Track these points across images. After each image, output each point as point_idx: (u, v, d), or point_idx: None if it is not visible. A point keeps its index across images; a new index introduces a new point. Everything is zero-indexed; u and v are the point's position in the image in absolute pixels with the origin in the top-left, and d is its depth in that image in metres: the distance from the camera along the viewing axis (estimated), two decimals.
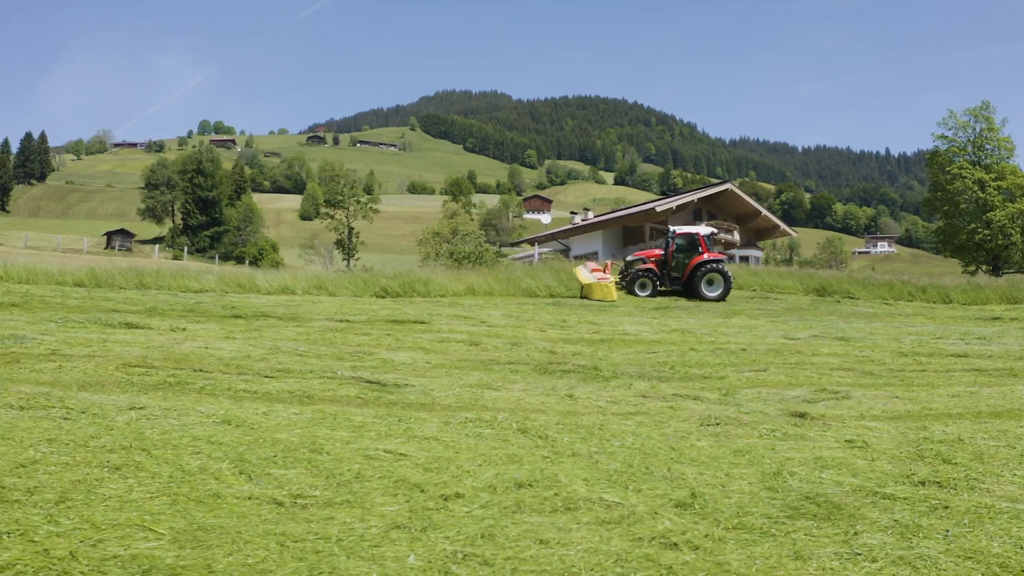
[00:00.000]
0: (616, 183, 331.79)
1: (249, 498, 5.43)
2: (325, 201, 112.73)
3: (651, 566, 4.60)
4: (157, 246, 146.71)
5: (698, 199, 59.82)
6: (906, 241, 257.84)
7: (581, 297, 28.24)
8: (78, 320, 15.95)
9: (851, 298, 31.37)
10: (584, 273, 29.84)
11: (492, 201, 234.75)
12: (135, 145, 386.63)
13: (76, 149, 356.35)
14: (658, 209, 56.65)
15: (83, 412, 7.89)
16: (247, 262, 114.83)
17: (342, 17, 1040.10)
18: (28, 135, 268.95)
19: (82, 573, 4.06)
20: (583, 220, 70.42)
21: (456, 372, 12.50)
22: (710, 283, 30.26)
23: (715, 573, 4.57)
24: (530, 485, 6.11)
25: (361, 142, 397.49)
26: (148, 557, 4.26)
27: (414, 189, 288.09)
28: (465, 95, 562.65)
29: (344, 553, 4.52)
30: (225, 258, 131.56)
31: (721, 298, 29.70)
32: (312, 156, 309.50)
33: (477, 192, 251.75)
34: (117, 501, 5.19)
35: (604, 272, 30.34)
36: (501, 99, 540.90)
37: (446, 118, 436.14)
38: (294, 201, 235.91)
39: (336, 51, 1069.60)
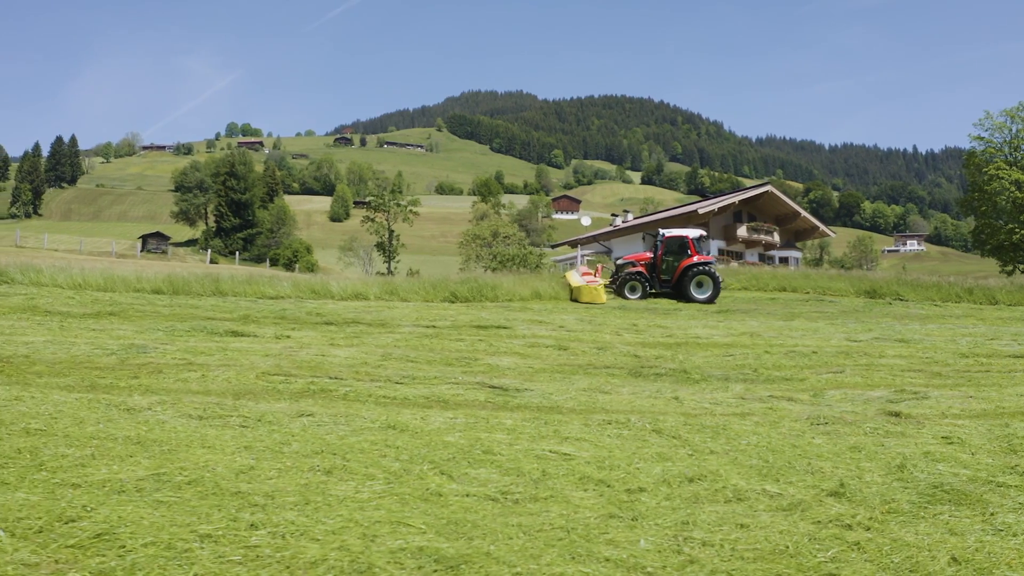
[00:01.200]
0: (643, 182, 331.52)
1: (466, 495, 6.19)
2: (367, 204, 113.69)
3: (841, 543, 5.37)
4: (188, 248, 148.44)
5: (739, 201, 60.35)
6: (935, 239, 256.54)
7: (571, 300, 28.67)
8: (184, 329, 16.79)
9: (901, 300, 31.88)
10: (575, 277, 30.41)
11: (520, 202, 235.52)
12: (163, 148, 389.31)
13: (105, 152, 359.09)
14: (700, 211, 57.20)
15: (259, 420, 8.65)
16: (278, 264, 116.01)
17: (367, 19, 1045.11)
18: (59, 139, 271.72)
19: (385, 563, 4.77)
20: (623, 222, 71.01)
21: (559, 376, 13.30)
22: (699, 285, 30.65)
23: (895, 547, 5.33)
24: (698, 479, 6.86)
25: (388, 143, 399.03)
26: (430, 548, 4.93)
27: (442, 190, 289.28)
28: (491, 95, 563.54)
29: (583, 539, 5.26)
30: (259, 260, 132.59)
31: (710, 300, 30.05)
32: (340, 157, 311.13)
33: (505, 192, 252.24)
34: (353, 501, 5.88)
35: (595, 276, 30.79)
36: (527, 99, 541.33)
37: (472, 118, 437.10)
38: (323, 203, 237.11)
39: (362, 52, 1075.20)
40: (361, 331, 17.75)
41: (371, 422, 8.77)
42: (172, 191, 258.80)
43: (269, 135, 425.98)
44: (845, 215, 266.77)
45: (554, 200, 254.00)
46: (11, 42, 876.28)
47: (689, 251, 31.54)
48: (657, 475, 6.99)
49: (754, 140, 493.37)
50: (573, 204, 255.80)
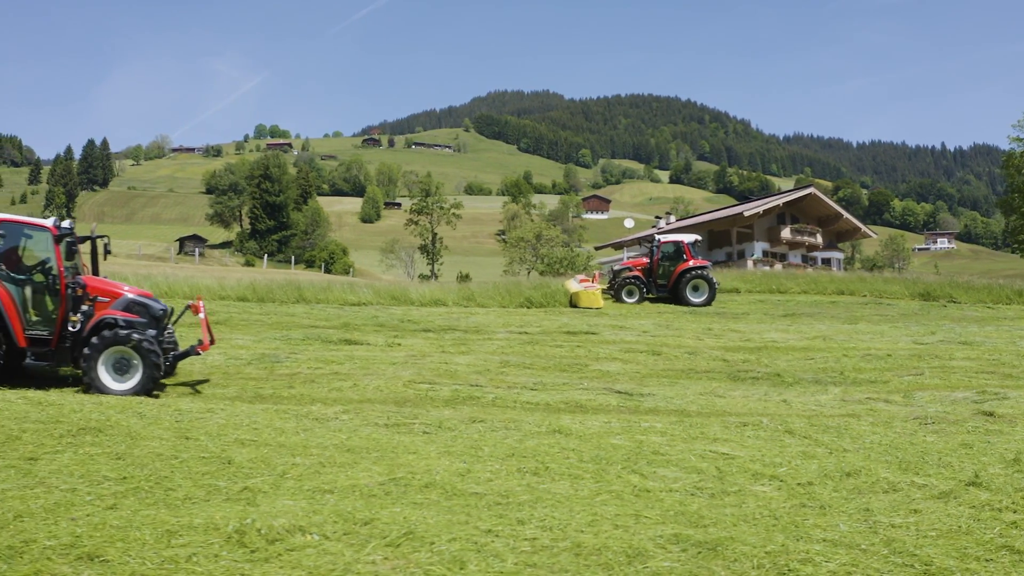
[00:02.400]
0: (671, 181, 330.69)
1: (670, 491, 7.21)
2: (397, 206, 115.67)
3: (1000, 522, 6.41)
4: (223, 250, 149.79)
5: (783, 203, 61.18)
6: (965, 237, 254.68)
7: (570, 305, 29.18)
8: (298, 338, 17.93)
9: (955, 302, 32.58)
10: (573, 284, 31.03)
11: (550, 202, 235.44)
12: (192, 150, 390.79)
13: (135, 155, 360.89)
14: (746, 214, 58.02)
15: (439, 427, 9.68)
16: (314, 265, 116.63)
17: (393, 20, 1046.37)
18: (91, 142, 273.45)
19: (654, 548, 5.61)
20: (667, 224, 71.82)
21: (666, 380, 14.40)
22: (695, 289, 30.96)
23: None
24: (854, 474, 7.88)
25: (416, 144, 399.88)
26: (683, 535, 5.82)
27: (471, 190, 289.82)
28: (517, 95, 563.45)
29: (792, 524, 6.25)
30: (294, 262, 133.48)
31: (706, 303, 30.42)
32: (368, 158, 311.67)
33: (534, 193, 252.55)
34: (579, 499, 6.83)
35: (592, 282, 31.34)
36: (553, 98, 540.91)
37: (499, 119, 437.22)
38: (354, 204, 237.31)
39: (388, 53, 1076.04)
40: (463, 338, 18.81)
41: (537, 427, 9.78)
42: (203, 193, 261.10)
43: (297, 136, 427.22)
44: (875, 213, 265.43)
45: (584, 200, 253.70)
46: (39, 45, 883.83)
47: (684, 255, 31.83)
48: (815, 471, 8.01)
49: (781, 138, 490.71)
50: (603, 204, 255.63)
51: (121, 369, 11.48)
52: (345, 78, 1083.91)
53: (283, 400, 11.86)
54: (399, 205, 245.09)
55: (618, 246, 74.27)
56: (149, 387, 11.48)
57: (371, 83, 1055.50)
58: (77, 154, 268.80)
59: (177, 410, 10.03)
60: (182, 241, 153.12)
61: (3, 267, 11.82)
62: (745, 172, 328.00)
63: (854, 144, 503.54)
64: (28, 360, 11.72)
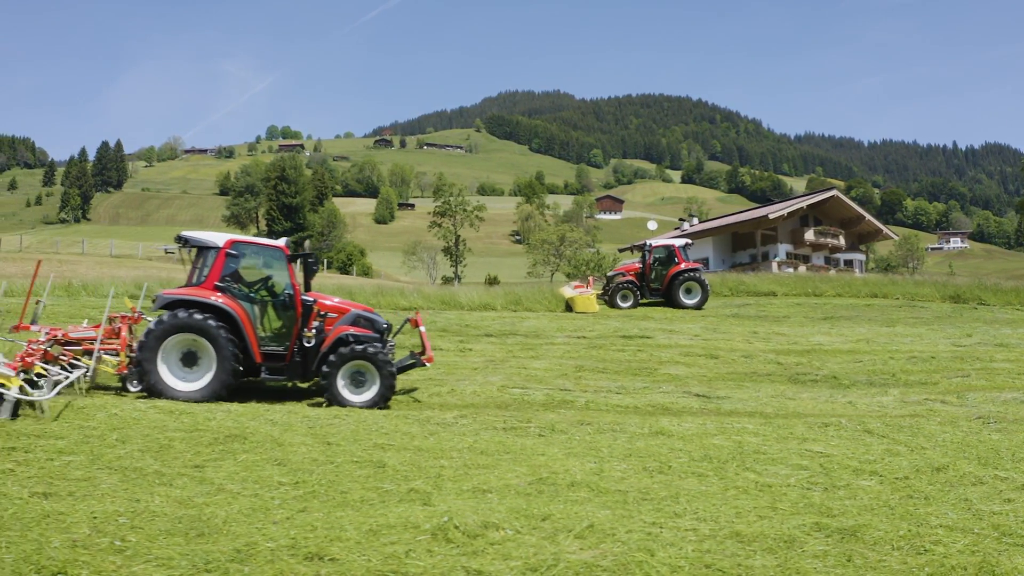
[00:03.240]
0: (683, 181, 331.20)
1: (789, 485, 8.07)
2: (411, 206, 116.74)
3: None
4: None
5: (806, 206, 62.00)
6: (978, 236, 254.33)
7: (567, 310, 29.89)
8: None
9: (984, 304, 33.25)
10: (568, 290, 31.63)
11: (563, 202, 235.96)
12: (205, 151, 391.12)
13: (148, 156, 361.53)
14: (771, 216, 58.82)
15: (552, 430, 10.59)
16: (332, 267, 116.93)
17: (403, 20, 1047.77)
18: (105, 144, 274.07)
19: (805, 535, 6.69)
20: (690, 226, 72.55)
21: (732, 383, 15.29)
22: (688, 291, 31.71)
23: None
24: (942, 469, 8.72)
25: (427, 144, 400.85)
26: (823, 523, 6.69)
27: (483, 191, 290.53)
28: (528, 95, 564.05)
29: (912, 512, 7.15)
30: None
31: (698, 306, 31.15)
32: (380, 159, 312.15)
33: (547, 193, 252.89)
34: (715, 495, 7.61)
35: (586, 287, 32.01)
36: (564, 99, 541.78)
37: (511, 119, 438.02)
38: (367, 204, 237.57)
39: (398, 54, 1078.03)
40: (526, 343, 19.71)
41: (639, 428, 10.67)
42: (217, 194, 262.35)
43: (309, 137, 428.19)
44: (887, 213, 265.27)
45: (598, 200, 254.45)
46: (50, 48, 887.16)
47: (676, 259, 32.48)
48: (907, 467, 8.86)
49: (792, 137, 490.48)
50: (616, 204, 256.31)
51: (357, 382, 12.35)
52: (355, 79, 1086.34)
53: (397, 405, 12.75)
54: (412, 206, 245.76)
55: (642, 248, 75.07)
56: (385, 399, 12.32)
57: (381, 83, 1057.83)
58: (89, 156, 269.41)
59: (305, 416, 10.76)
60: None
61: (239, 286, 12.65)
62: (757, 172, 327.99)
63: (865, 143, 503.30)
64: (263, 374, 12.49)
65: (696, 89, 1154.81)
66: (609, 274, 34.10)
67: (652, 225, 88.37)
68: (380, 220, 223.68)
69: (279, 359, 12.57)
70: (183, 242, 13.00)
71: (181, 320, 11.76)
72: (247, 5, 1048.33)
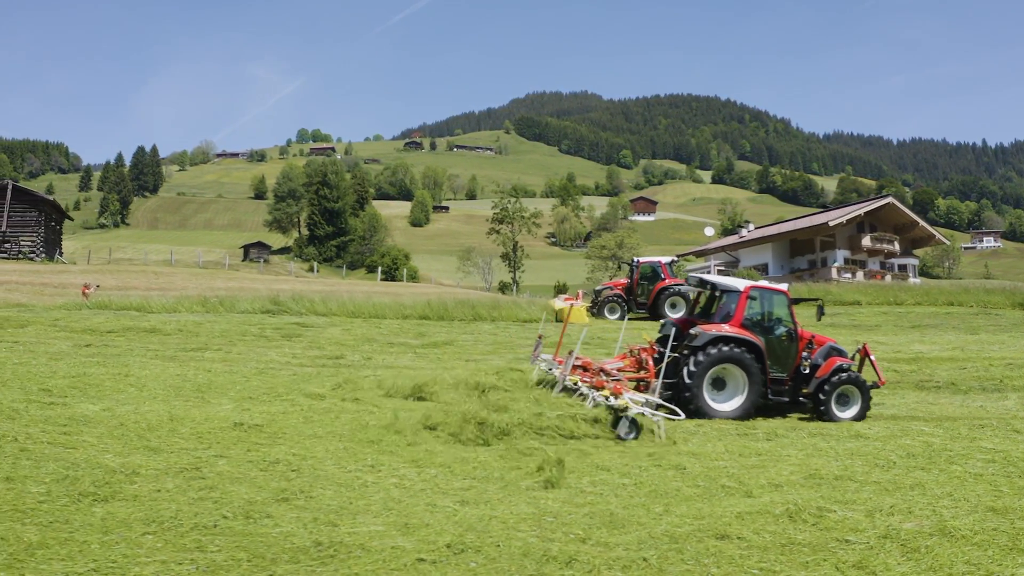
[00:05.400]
0: (714, 182, 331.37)
1: (991, 474, 10.22)
2: (446, 209, 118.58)
3: None
4: (282, 256, 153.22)
5: (863, 213, 63.85)
6: (1010, 235, 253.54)
7: (556, 321, 30.93)
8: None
9: None
10: (558, 302, 33.39)
11: (596, 203, 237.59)
12: (237, 155, 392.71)
13: (180, 160, 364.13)
14: (830, 223, 60.76)
15: (775, 435, 12.81)
16: (376, 271, 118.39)
17: (430, 23, 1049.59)
18: (140, 149, 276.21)
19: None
20: (748, 232, 74.34)
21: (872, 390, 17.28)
22: (673, 306, 33.41)
23: None
24: None
25: (457, 146, 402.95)
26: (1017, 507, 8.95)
27: (515, 193, 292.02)
28: (556, 96, 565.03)
29: None
30: (352, 267, 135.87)
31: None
32: (411, 162, 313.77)
33: (582, 195, 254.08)
34: (954, 481, 9.82)
35: (576, 299, 33.22)
36: (592, 99, 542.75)
37: (540, 120, 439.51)
38: (401, 207, 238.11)
39: (425, 56, 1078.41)
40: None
41: (839, 431, 13.20)
42: (252, 198, 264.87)
43: (339, 140, 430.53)
44: (919, 212, 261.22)
45: (631, 202, 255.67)
46: (78, 53, 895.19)
47: (662, 275, 34.30)
48: None
49: (821, 136, 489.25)
50: (650, 206, 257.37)
51: (843, 402, 14.84)
52: (383, 81, 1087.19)
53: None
54: (447, 209, 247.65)
55: (699, 254, 77.02)
56: (865, 415, 14.82)
57: (409, 86, 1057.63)
58: (127, 161, 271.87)
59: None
60: (246, 248, 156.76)
61: (759, 323, 15.25)
62: (788, 172, 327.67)
63: (894, 142, 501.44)
64: (769, 396, 14.89)
65: (724, 89, 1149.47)
66: (597, 288, 36.18)
67: (709, 231, 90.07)
68: (416, 223, 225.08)
69: (781, 383, 15.07)
70: (706, 285, 15.94)
71: (724, 353, 14.31)
72: (275, 9, 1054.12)
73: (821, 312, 17.14)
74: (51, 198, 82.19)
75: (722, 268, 65.95)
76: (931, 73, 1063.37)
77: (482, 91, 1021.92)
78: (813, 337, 15.57)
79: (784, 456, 11.24)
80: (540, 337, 16.42)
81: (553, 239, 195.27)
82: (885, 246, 64.92)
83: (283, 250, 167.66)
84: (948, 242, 70.68)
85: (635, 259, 36.46)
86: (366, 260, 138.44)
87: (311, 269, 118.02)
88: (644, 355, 15.00)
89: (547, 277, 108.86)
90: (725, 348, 14.32)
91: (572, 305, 31.84)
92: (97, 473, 8.73)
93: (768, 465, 10.65)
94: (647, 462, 10.54)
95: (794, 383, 15.16)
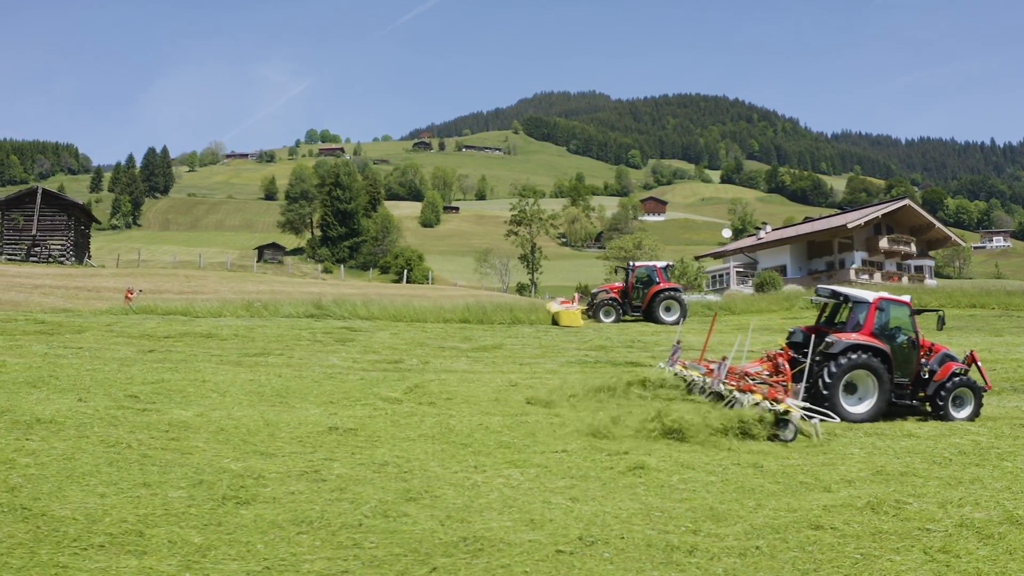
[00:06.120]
0: (723, 181, 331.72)
1: None
2: (456, 210, 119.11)
3: None
4: (295, 257, 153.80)
5: (881, 215, 64.59)
6: (1020, 235, 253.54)
7: (553, 324, 32.36)
8: (590, 361, 21.66)
9: None
10: (554, 305, 34.34)
11: (606, 203, 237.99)
12: (246, 156, 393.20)
13: (190, 161, 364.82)
14: (849, 225, 61.50)
15: (870, 434, 13.50)
16: (389, 272, 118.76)
17: (437, 23, 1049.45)
18: (151, 150, 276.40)
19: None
20: (765, 234, 75.01)
21: None
22: (667, 309, 34.66)
23: None
24: None
25: (466, 147, 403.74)
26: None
27: (525, 193, 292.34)
28: (563, 96, 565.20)
29: None
30: (364, 268, 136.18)
31: (677, 322, 33.65)
32: (421, 162, 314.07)
33: (592, 195, 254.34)
34: (1007, 478, 10.77)
35: (572, 303, 34.37)
36: (600, 99, 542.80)
37: (548, 120, 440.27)
38: (411, 208, 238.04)
39: (433, 56, 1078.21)
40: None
41: (887, 431, 13.97)
42: (262, 199, 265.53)
43: (347, 140, 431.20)
44: (928, 211, 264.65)
45: (641, 202, 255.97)
46: (87, 54, 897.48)
47: (657, 279, 35.17)
48: None
49: (829, 136, 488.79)
50: (660, 206, 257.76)
51: (958, 404, 15.94)
52: (390, 81, 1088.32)
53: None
54: (457, 209, 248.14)
55: (717, 256, 77.74)
56: (977, 415, 15.86)
57: (417, 86, 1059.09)
58: (137, 162, 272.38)
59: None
60: (260, 249, 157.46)
61: (886, 331, 16.19)
62: (796, 171, 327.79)
63: (903, 141, 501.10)
64: (892, 399, 15.82)
65: (732, 88, 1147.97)
66: (593, 291, 36.89)
67: (727, 233, 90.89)
68: (426, 223, 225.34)
69: (903, 387, 16.11)
70: (838, 296, 16.86)
71: (859, 360, 15.27)
72: (283, 10, 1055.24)
73: (942, 322, 18.08)
74: (80, 202, 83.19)
75: (740, 269, 66.80)
76: (939, 72, 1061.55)
77: (490, 91, 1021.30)
78: (933, 346, 16.67)
79: (848, 454, 12.07)
80: (678, 342, 17.53)
81: (564, 239, 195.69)
82: (902, 247, 65.69)
83: (296, 251, 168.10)
84: (964, 243, 71.03)
85: (630, 263, 37.46)
86: (379, 261, 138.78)
87: (327, 270, 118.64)
88: (780, 360, 15.80)
89: (560, 278, 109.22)
90: (860, 356, 15.28)
91: (567, 308, 32.87)
92: (225, 477, 9.40)
93: (836, 463, 11.48)
94: (726, 460, 11.33)
95: (913, 387, 16.19)
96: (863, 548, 7.79)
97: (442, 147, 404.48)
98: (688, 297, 41.78)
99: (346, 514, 8.32)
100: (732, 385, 14.43)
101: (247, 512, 8.24)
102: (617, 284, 36.59)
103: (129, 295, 38.03)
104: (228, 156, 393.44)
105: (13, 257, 68.01)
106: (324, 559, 7.12)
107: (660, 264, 36.45)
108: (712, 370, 14.99)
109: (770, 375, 15.51)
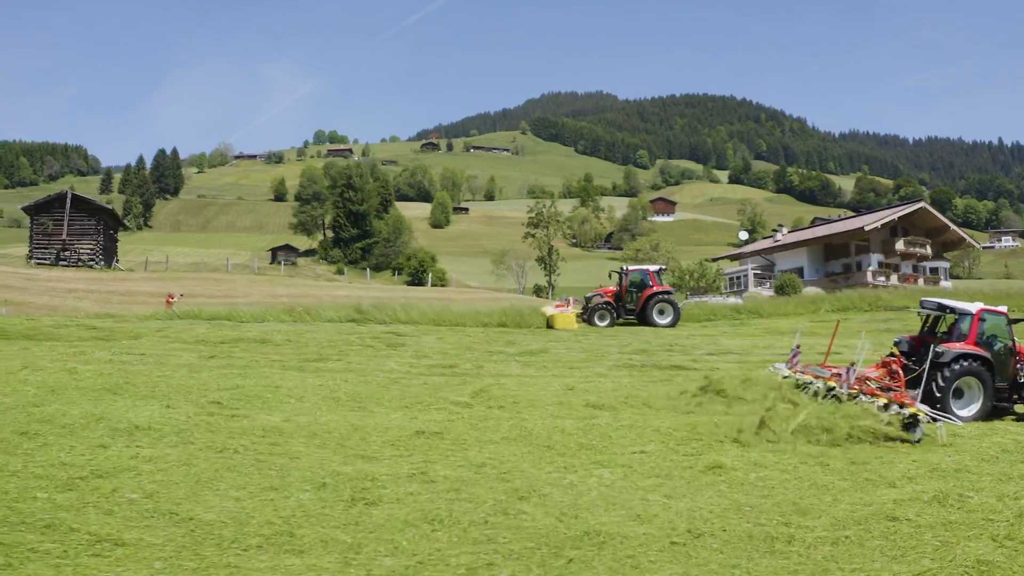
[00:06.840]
0: (731, 181, 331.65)
1: None
2: (465, 211, 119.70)
3: None
4: (307, 259, 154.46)
5: (897, 217, 65.46)
6: None
7: (548, 327, 32.90)
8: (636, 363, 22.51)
9: None
10: (549, 308, 34.91)
11: (615, 203, 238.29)
12: (254, 157, 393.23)
13: (199, 162, 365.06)
14: (866, 228, 62.38)
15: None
16: (402, 273, 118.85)
17: (445, 23, 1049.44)
18: (161, 151, 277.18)
19: None
20: (782, 236, 75.80)
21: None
22: (661, 312, 35.30)
23: None
24: None
25: (474, 147, 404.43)
26: None
27: (533, 194, 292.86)
28: (571, 96, 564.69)
29: None
30: (377, 269, 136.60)
31: (671, 325, 34.60)
32: (429, 163, 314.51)
33: (600, 196, 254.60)
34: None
35: (567, 306, 34.84)
36: (607, 99, 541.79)
37: (556, 121, 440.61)
38: (421, 209, 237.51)
39: (440, 56, 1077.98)
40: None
41: (974, 429, 15.08)
42: (272, 200, 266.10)
43: (355, 141, 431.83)
44: (936, 211, 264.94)
45: (651, 203, 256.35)
46: (94, 56, 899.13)
47: (650, 282, 35.76)
48: None
49: (837, 135, 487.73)
50: (669, 206, 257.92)
51: None
52: (398, 82, 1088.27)
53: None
54: (466, 210, 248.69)
55: (734, 258, 78.56)
56: None
57: (424, 86, 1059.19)
58: (147, 163, 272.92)
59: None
60: (274, 251, 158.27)
61: (988, 340, 17.16)
62: (804, 171, 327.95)
63: (910, 140, 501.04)
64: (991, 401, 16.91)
65: (740, 88, 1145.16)
66: (588, 295, 37.26)
67: (743, 235, 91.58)
68: (436, 225, 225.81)
69: (1001, 391, 17.16)
70: (944, 308, 17.89)
71: (967, 367, 16.37)
72: (290, 11, 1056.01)
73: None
74: (109, 206, 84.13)
75: (757, 271, 67.58)
76: (946, 71, 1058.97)
77: (497, 91, 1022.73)
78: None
79: (902, 452, 12.96)
80: (798, 346, 18.25)
81: (574, 240, 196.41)
82: (918, 250, 66.54)
83: (308, 252, 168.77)
84: (978, 245, 71.83)
85: (623, 267, 38.18)
86: (392, 262, 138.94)
87: (340, 272, 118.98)
88: (895, 366, 16.59)
89: (572, 279, 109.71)
90: (969, 363, 16.35)
91: (562, 312, 33.64)
92: (343, 480, 9.99)
93: (894, 460, 12.36)
94: (794, 460, 12.22)
95: (1011, 390, 17.26)
96: (939, 536, 8.71)
97: (450, 148, 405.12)
98: (711, 300, 42.47)
99: (470, 512, 9.04)
100: (855, 389, 15.13)
101: (378, 512, 8.84)
102: (611, 288, 36.99)
103: (170, 299, 38.83)
104: (237, 157, 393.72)
105: (43, 261, 69.34)
106: (467, 553, 7.79)
107: (653, 268, 37.31)
108: (839, 375, 15.72)
109: (889, 380, 16.17)
